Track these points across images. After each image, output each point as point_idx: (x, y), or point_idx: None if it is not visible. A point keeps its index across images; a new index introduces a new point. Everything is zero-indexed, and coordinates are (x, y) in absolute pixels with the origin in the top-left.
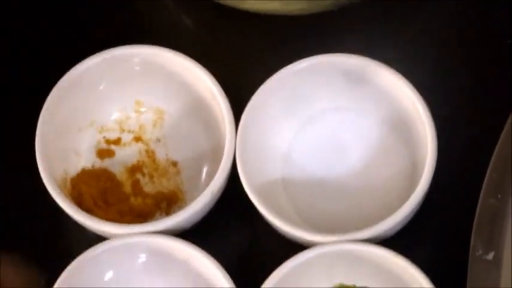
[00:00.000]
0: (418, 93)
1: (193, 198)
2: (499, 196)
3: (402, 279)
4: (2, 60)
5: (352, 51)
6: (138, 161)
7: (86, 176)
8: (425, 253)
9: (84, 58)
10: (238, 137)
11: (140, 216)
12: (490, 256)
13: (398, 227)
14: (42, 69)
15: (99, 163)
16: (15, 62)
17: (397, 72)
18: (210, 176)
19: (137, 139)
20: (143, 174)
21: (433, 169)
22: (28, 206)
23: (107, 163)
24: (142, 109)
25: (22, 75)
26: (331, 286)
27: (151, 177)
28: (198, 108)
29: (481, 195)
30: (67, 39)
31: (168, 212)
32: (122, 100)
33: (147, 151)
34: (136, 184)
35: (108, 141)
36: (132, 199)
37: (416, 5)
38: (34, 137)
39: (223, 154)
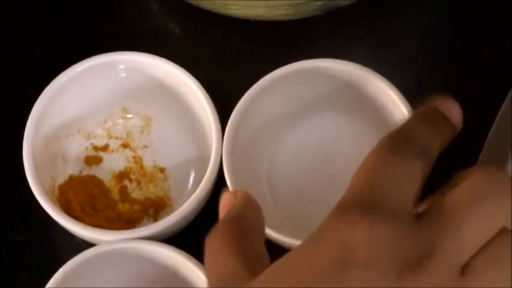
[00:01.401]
0: (403, 97)
1: (180, 204)
2: None
3: None
4: None
5: (339, 56)
6: (125, 168)
7: (74, 183)
8: None
9: (70, 65)
10: (224, 143)
11: (128, 222)
12: None
13: None
14: (29, 76)
15: (87, 170)
16: (1, 70)
17: (383, 77)
18: (197, 181)
19: (125, 145)
20: (131, 181)
21: None
22: (16, 213)
23: (94, 170)
24: (130, 115)
25: (8, 83)
26: None
27: (138, 183)
28: (185, 115)
29: None
30: (53, 46)
31: (155, 218)
32: (109, 107)
33: (134, 157)
34: (124, 190)
35: (95, 148)
36: (120, 205)
37: (402, 10)
38: (22, 144)
39: (210, 160)
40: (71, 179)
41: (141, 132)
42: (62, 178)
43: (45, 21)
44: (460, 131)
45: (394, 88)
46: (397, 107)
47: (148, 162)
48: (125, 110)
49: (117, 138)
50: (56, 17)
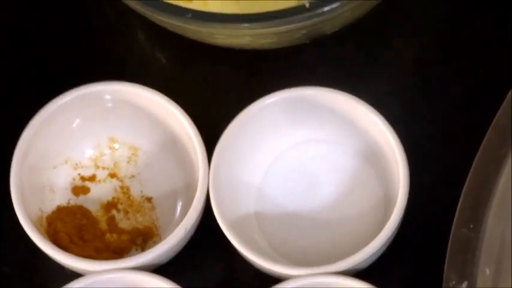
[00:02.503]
0: (389, 125)
1: (168, 233)
2: (471, 226)
3: None
4: None
5: (324, 84)
6: (113, 198)
7: (62, 213)
8: (400, 285)
9: (57, 96)
10: (211, 172)
11: (116, 252)
12: (464, 286)
13: (372, 259)
14: (15, 106)
15: (74, 200)
16: None
17: (369, 105)
18: (184, 211)
19: (112, 175)
20: (118, 211)
21: (406, 201)
22: (4, 244)
23: (82, 200)
24: (116, 146)
25: None
26: None
27: (126, 213)
28: (171, 144)
29: (453, 225)
30: (39, 76)
31: (143, 247)
32: (96, 137)
33: (122, 187)
34: (111, 220)
35: (83, 178)
36: (108, 235)
37: (388, 38)
38: (9, 175)
39: (196, 189)
40: (59, 209)
41: (128, 162)
42: (49, 209)
43: (31, 51)
44: (446, 158)
45: (381, 116)
46: (383, 136)
47: (135, 192)
48: (112, 140)
49: (104, 168)
50: (41, 47)
